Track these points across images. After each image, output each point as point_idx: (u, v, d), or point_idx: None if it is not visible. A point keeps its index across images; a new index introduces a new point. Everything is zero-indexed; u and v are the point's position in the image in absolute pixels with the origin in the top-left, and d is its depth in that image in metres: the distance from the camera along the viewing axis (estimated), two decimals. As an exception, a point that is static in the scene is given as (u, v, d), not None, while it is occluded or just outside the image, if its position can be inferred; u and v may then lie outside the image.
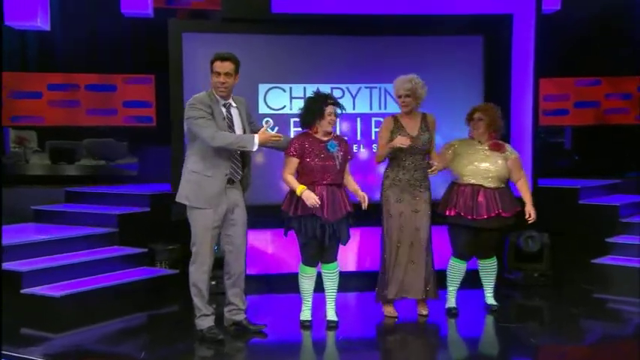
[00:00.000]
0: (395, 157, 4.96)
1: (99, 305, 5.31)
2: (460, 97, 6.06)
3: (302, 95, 6.08)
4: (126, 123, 8.35)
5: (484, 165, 4.97)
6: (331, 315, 4.89)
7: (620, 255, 6.31)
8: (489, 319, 5.22)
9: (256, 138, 4.37)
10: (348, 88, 6.01)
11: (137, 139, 8.69)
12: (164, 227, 6.29)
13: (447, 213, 5.04)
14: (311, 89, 5.99)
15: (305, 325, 4.85)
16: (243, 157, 4.59)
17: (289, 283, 5.40)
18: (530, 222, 5.03)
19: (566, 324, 5.20)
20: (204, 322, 4.58)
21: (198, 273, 4.52)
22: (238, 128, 4.53)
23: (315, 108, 4.63)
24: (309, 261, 4.77)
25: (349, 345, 4.69)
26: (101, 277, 5.70)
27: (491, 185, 4.96)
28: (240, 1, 6.09)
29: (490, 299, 5.31)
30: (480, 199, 4.92)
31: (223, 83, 4.45)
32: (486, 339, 5.08)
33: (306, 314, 4.90)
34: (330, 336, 4.76)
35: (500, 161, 4.99)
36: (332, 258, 4.82)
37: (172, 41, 5.96)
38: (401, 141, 4.75)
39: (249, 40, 5.90)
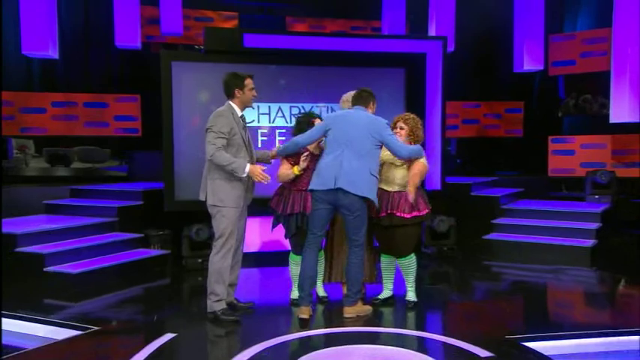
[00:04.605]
0: None
1: (106, 280, 5.15)
2: (388, 116, 6.16)
3: (267, 111, 6.06)
4: (116, 133, 8.08)
5: (393, 174, 4.25)
6: (322, 291, 4.55)
7: (501, 232, 6.60)
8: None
9: (248, 167, 3.89)
10: (303, 107, 6.03)
11: (125, 146, 8.43)
12: (156, 217, 6.09)
13: None
14: (274, 107, 6.08)
15: (295, 303, 4.37)
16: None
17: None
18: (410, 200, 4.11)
19: (466, 284, 5.42)
20: (219, 305, 4.06)
21: (224, 261, 4.01)
22: (248, 132, 4.20)
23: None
24: (298, 250, 4.34)
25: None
26: (107, 258, 5.50)
27: (391, 190, 4.25)
28: (218, 38, 6.00)
29: (408, 294, 4.40)
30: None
31: (255, 96, 4.15)
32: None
33: (295, 293, 4.44)
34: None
35: (406, 171, 4.21)
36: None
37: (164, 68, 5.78)
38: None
39: (225, 68, 5.62)
